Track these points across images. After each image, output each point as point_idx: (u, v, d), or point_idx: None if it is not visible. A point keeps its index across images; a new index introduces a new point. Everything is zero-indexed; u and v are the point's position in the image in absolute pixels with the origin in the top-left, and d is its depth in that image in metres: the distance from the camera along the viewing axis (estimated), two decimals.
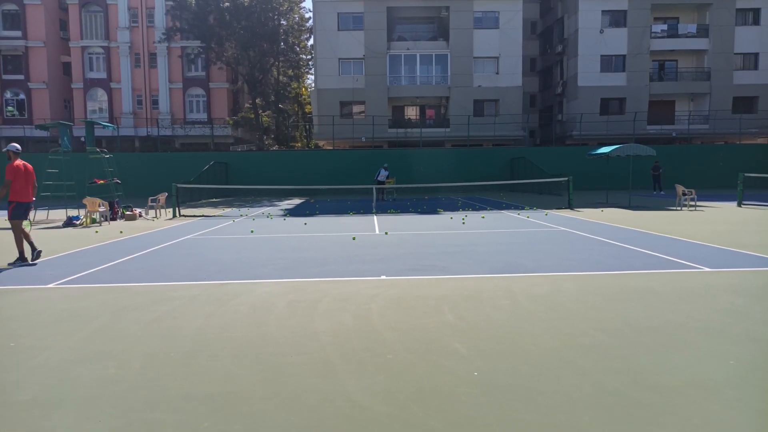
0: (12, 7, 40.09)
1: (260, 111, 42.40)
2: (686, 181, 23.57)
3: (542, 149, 31.72)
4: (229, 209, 19.42)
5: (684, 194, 16.70)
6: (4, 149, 8.13)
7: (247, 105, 45.76)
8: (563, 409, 2.92)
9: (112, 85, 41.06)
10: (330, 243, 9.68)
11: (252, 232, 11.69)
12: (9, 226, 7.84)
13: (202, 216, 16.43)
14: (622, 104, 36.88)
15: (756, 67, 36.71)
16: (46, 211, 17.24)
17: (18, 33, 40.23)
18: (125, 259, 8.21)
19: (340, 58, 35.92)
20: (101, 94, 41.33)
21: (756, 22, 36.47)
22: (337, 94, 35.83)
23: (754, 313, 4.75)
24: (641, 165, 26.88)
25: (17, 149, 7.99)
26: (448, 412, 2.90)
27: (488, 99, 36.46)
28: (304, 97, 53.44)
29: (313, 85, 44.60)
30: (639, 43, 36.10)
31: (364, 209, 17.90)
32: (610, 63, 36.72)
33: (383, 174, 22.31)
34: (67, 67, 42.29)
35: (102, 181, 17.13)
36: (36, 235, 11.82)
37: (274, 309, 5.11)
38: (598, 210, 16.34)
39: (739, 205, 17.16)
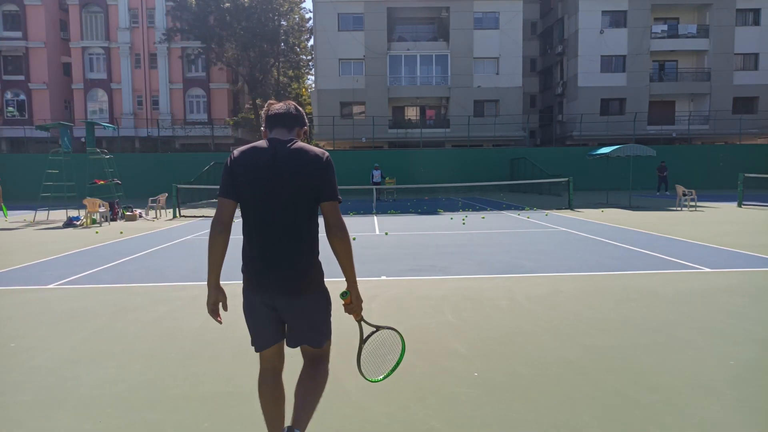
0: (12, 7, 40.11)
1: (260, 111, 42.38)
2: (686, 182, 23.57)
3: (542, 149, 31.75)
4: None
5: (684, 194, 16.70)
6: None
7: (247, 105, 45.79)
8: (563, 409, 2.92)
9: (113, 85, 41.07)
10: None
11: None
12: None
13: (203, 217, 16.44)
14: (622, 105, 36.88)
15: (756, 68, 36.70)
16: (47, 211, 17.25)
17: (18, 34, 40.25)
18: (125, 259, 8.22)
19: (340, 59, 35.94)
20: (101, 95, 41.34)
21: (756, 22, 36.47)
22: (337, 94, 35.84)
23: (754, 313, 4.74)
24: (641, 165, 26.90)
25: None
26: (448, 412, 2.90)
27: (488, 99, 36.47)
28: (304, 97, 53.46)
29: (313, 85, 44.62)
30: (639, 43, 36.10)
31: (365, 209, 17.91)
32: (610, 63, 36.72)
33: (376, 174, 22.31)
34: (67, 68, 42.31)
35: (102, 182, 17.14)
36: (36, 235, 11.84)
37: None
38: (599, 210, 16.34)
39: (740, 205, 17.16)
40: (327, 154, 2.17)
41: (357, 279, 2.26)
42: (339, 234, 2.13)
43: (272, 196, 2.10)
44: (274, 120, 2.26)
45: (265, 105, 2.31)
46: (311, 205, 2.14)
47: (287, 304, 2.18)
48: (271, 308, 2.21)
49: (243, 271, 2.22)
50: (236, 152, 2.18)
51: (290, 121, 2.25)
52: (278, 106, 2.28)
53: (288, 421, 2.36)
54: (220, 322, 2.28)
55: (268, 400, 2.33)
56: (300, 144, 2.18)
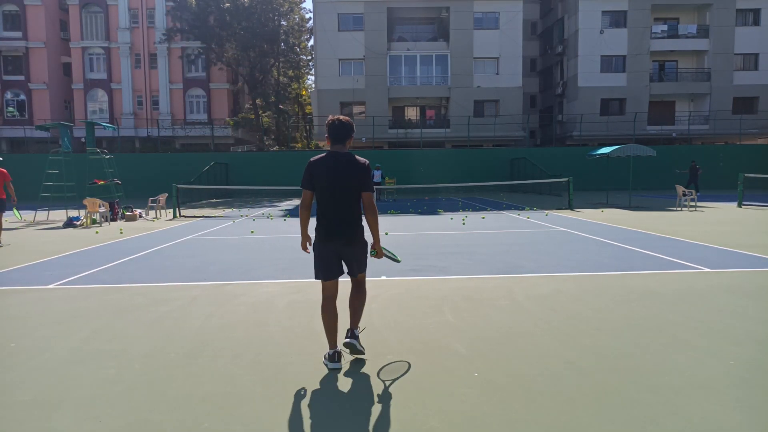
0: (12, 7, 40.12)
1: (260, 111, 42.41)
2: (686, 182, 23.55)
3: (542, 150, 31.75)
4: (230, 210, 19.43)
5: (684, 194, 16.70)
6: None
7: (247, 105, 45.78)
8: (563, 409, 2.92)
9: (113, 85, 41.08)
10: None
11: (252, 232, 11.69)
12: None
13: (203, 217, 16.44)
14: (622, 105, 36.88)
15: (756, 68, 36.70)
16: (47, 211, 17.25)
17: (18, 34, 40.26)
18: (125, 259, 8.22)
19: (340, 59, 35.95)
20: (101, 95, 41.36)
21: (756, 22, 36.48)
22: (337, 94, 35.84)
23: (754, 313, 4.75)
24: (641, 165, 26.90)
25: None
26: (448, 412, 2.90)
27: (488, 99, 36.47)
28: (304, 97, 53.45)
29: (313, 85, 44.61)
30: (639, 43, 36.10)
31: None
32: (611, 63, 36.72)
33: (377, 175, 22.29)
34: (67, 68, 42.32)
35: (102, 182, 17.14)
36: (36, 235, 11.84)
37: (274, 309, 5.12)
38: (598, 210, 16.35)
39: (740, 205, 17.16)
40: (367, 162, 3.60)
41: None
42: (371, 211, 3.59)
43: (335, 188, 3.51)
44: (333, 138, 3.62)
45: (328, 119, 3.65)
46: (358, 193, 3.55)
47: (347, 248, 3.61)
48: (336, 253, 3.61)
49: (317, 231, 3.61)
50: (312, 160, 3.57)
51: (343, 137, 3.61)
52: (336, 127, 3.59)
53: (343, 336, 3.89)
54: (308, 252, 3.78)
55: (328, 317, 3.64)
56: (351, 156, 3.57)
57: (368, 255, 3.74)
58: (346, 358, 3.76)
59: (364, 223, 3.69)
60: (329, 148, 3.64)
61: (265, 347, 4.01)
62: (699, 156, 29.97)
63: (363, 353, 3.74)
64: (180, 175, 26.38)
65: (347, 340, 3.67)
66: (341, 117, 3.58)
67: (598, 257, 7.77)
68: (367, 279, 6.32)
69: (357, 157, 3.56)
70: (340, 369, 3.53)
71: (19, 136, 39.22)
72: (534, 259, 7.71)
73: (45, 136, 37.99)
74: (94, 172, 20.48)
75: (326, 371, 3.54)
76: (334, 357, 3.56)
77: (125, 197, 18.92)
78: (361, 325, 4.35)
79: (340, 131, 3.57)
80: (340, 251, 3.59)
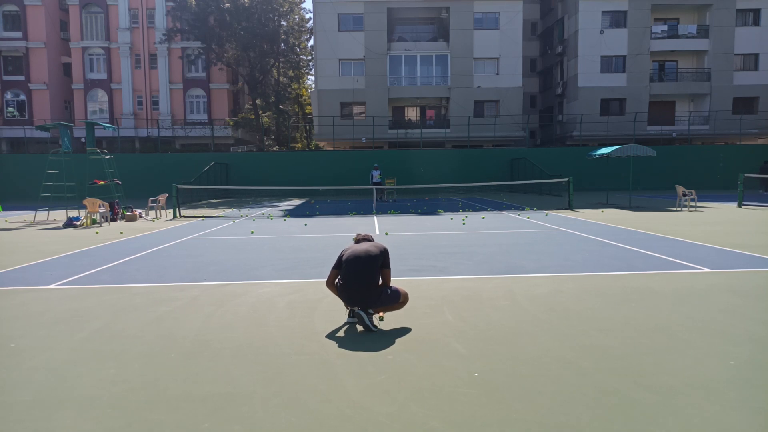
0: (12, 8, 40.11)
1: (260, 112, 42.40)
2: (686, 182, 23.58)
3: (542, 150, 31.74)
4: (230, 210, 19.43)
5: (684, 195, 16.70)
6: None
7: (247, 106, 45.78)
8: (563, 409, 2.92)
9: (113, 85, 41.07)
10: (330, 244, 9.68)
11: (252, 232, 11.69)
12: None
13: (203, 217, 16.44)
14: (622, 105, 36.87)
15: (756, 68, 36.68)
16: (47, 211, 17.25)
17: (18, 34, 40.25)
18: (125, 259, 8.22)
19: (340, 59, 35.94)
20: (101, 95, 41.35)
21: (756, 22, 36.46)
22: (337, 94, 35.84)
23: (754, 313, 4.74)
24: (641, 165, 26.91)
25: None
26: (448, 412, 2.90)
27: (488, 100, 36.47)
28: (304, 97, 53.45)
29: (313, 85, 44.61)
30: (639, 43, 36.10)
31: (365, 210, 17.91)
32: (611, 64, 36.70)
33: (376, 174, 22.29)
34: (67, 68, 42.31)
35: (102, 182, 17.14)
36: (36, 235, 11.84)
37: (274, 309, 5.12)
38: (599, 211, 16.34)
39: (740, 205, 17.15)
40: (385, 247, 4.54)
41: None
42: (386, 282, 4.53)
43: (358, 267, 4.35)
44: (360, 240, 4.67)
45: (355, 235, 4.79)
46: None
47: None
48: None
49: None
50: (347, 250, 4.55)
51: (367, 240, 4.66)
52: (361, 239, 4.69)
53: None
54: None
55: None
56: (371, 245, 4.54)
57: (397, 301, 4.47)
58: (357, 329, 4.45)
59: None
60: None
61: (265, 347, 4.01)
62: (699, 156, 29.99)
63: (371, 329, 4.31)
64: (180, 175, 26.39)
65: (359, 311, 4.30)
66: (368, 240, 4.65)
67: (598, 257, 7.77)
68: None
69: (376, 244, 4.53)
70: (351, 323, 4.52)
71: (19, 137, 39.22)
72: (534, 259, 7.71)
73: (45, 136, 38.00)
74: (94, 172, 20.49)
75: (326, 371, 3.54)
76: (349, 314, 4.51)
77: (125, 197, 18.92)
78: (382, 316, 4.64)
79: (364, 244, 4.61)
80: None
